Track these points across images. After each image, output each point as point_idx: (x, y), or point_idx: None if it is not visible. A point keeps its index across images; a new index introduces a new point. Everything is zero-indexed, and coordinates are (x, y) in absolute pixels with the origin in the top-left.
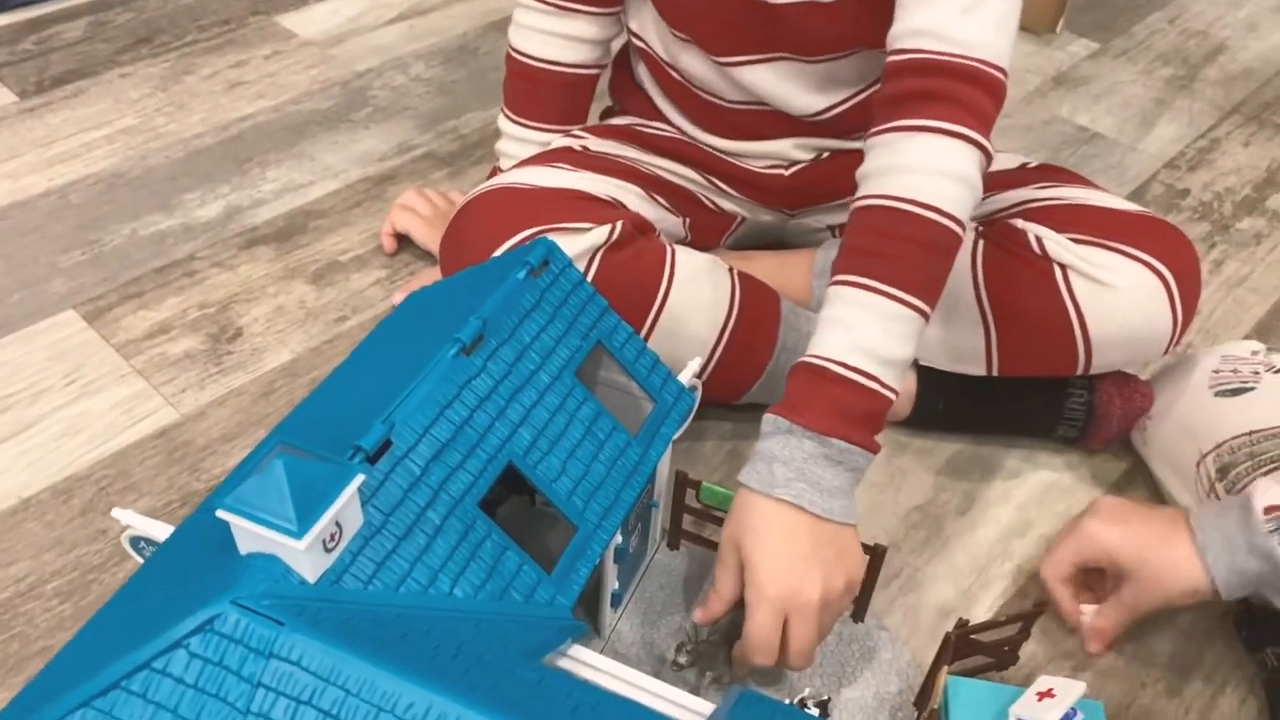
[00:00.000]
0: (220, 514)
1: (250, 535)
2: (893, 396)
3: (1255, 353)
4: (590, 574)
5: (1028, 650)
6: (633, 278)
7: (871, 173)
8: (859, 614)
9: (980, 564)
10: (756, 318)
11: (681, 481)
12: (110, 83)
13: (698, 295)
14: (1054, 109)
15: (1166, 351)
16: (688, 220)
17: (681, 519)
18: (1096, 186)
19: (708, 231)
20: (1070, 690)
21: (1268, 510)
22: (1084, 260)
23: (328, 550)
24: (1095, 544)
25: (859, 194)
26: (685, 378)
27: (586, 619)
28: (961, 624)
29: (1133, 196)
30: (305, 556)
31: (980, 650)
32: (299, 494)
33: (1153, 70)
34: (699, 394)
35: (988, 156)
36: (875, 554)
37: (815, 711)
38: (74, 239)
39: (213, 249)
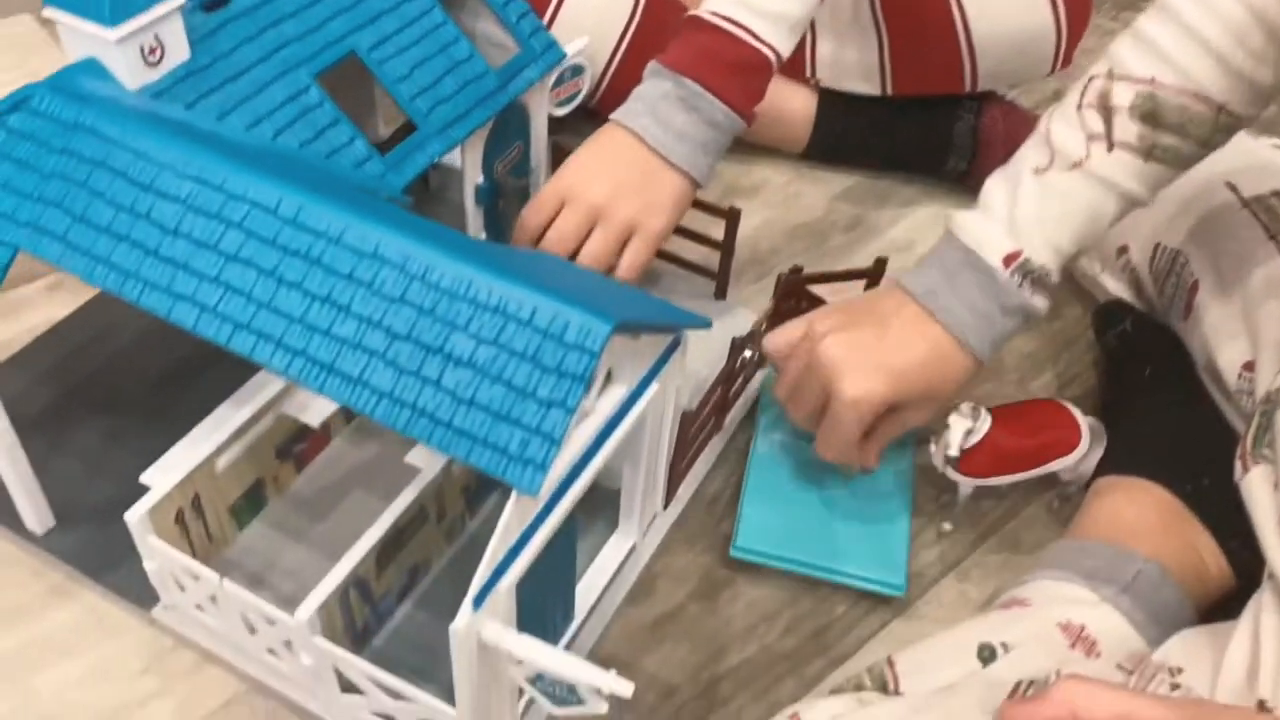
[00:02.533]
0: (45, 12)
1: (72, 34)
2: (765, 51)
3: None
4: (425, 166)
5: None
6: None
7: None
8: (721, 291)
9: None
10: (658, 28)
11: (557, 152)
12: None
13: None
14: None
15: (1054, 68)
16: None
17: None
18: None
19: None
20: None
21: (1006, 263)
22: None
23: (148, 64)
24: (870, 406)
25: None
26: (569, 50)
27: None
28: (796, 269)
29: None
30: (121, 55)
31: (813, 303)
32: None
33: None
34: (586, 75)
35: None
36: (730, 216)
37: None
38: None
39: None
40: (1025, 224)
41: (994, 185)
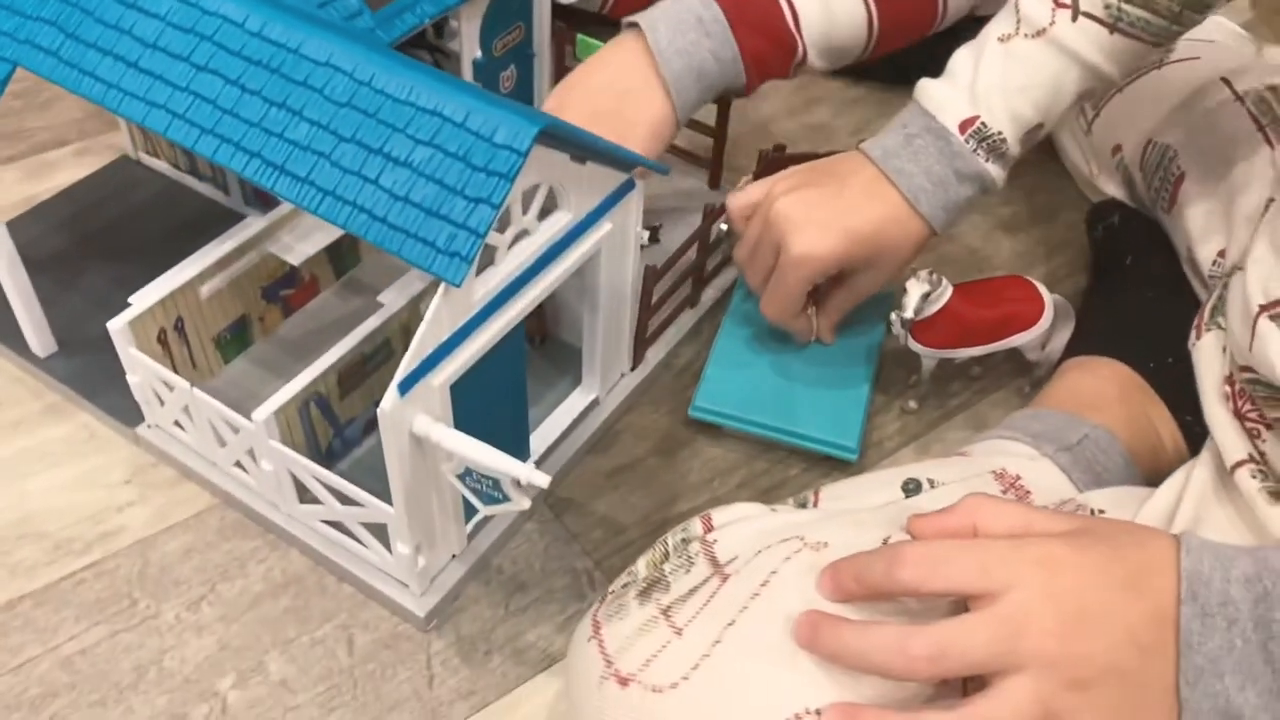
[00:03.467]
0: None
1: None
2: (799, 45)
3: None
4: (419, 24)
5: None
6: None
7: None
8: (714, 180)
9: None
10: None
11: (559, 37)
12: None
13: None
14: None
15: None
16: None
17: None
18: None
19: None
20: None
21: (962, 128)
22: None
23: None
24: (817, 263)
25: None
26: None
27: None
28: (779, 146)
29: None
30: None
31: None
32: None
33: None
34: None
35: None
36: (721, 103)
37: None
38: None
39: None
40: (985, 90)
41: (961, 53)
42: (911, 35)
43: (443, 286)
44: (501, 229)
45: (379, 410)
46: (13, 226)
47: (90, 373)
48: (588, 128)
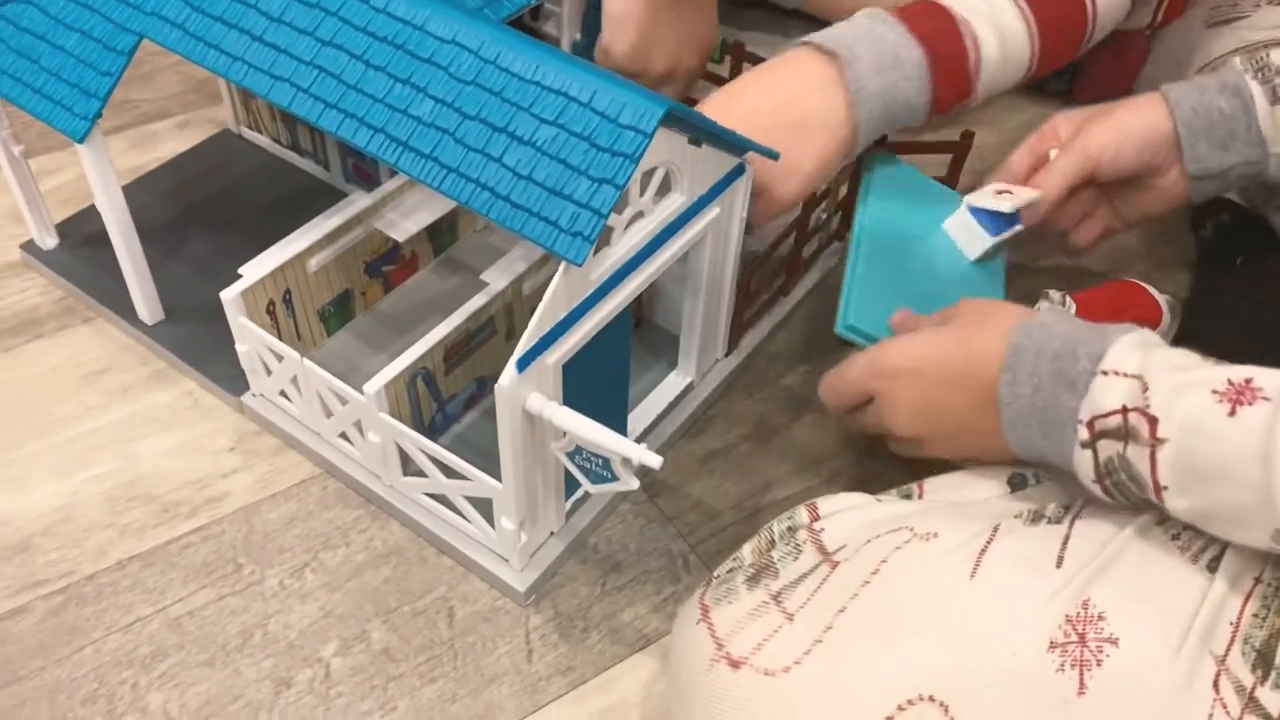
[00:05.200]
0: None
1: None
2: (974, 84)
3: None
4: (523, 7)
5: None
6: None
7: None
8: None
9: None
10: None
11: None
12: None
13: None
14: None
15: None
16: None
17: None
18: None
19: None
20: (1025, 194)
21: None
22: None
23: None
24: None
25: None
26: None
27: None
28: (882, 140)
29: None
30: None
31: None
32: None
33: None
34: None
35: None
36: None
37: None
38: None
39: None
40: None
41: None
42: (1057, 65)
43: (563, 265)
44: (619, 210)
45: (497, 386)
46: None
47: (196, 341)
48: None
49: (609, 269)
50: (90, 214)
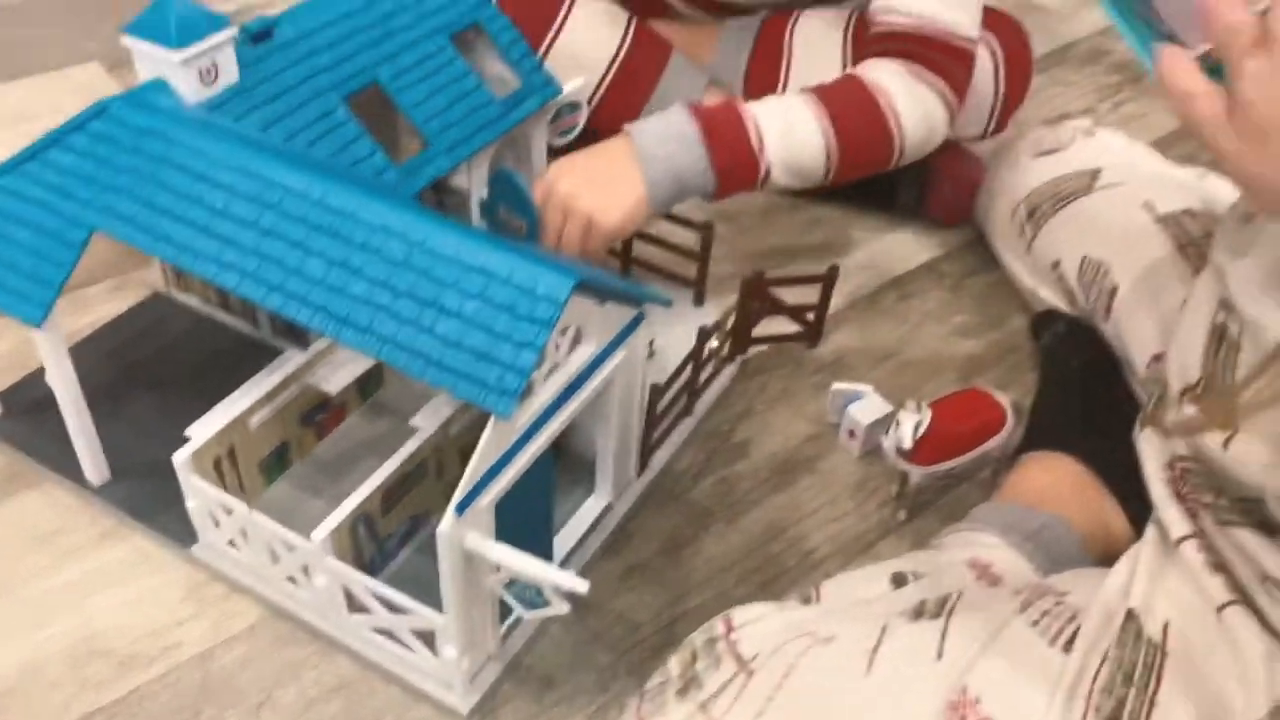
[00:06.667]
0: (124, 39)
1: (145, 58)
2: (762, 171)
3: (1077, 126)
4: (434, 178)
5: (839, 341)
6: (527, 18)
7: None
8: (699, 298)
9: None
10: (642, 64)
11: None
12: None
13: (589, 34)
14: None
15: (988, 129)
16: None
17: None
18: None
19: (641, 10)
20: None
21: None
22: None
23: (204, 83)
24: None
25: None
26: (567, 89)
27: None
28: (758, 273)
29: (1056, 53)
30: (183, 74)
31: (779, 308)
32: (180, 24)
33: None
34: (584, 110)
35: (951, 112)
36: (705, 230)
37: None
38: (107, 17)
39: None
40: None
41: None
42: (870, 169)
43: (492, 419)
44: (538, 365)
45: (438, 531)
46: None
47: (142, 498)
48: (577, 192)
49: (531, 416)
50: (28, 382)
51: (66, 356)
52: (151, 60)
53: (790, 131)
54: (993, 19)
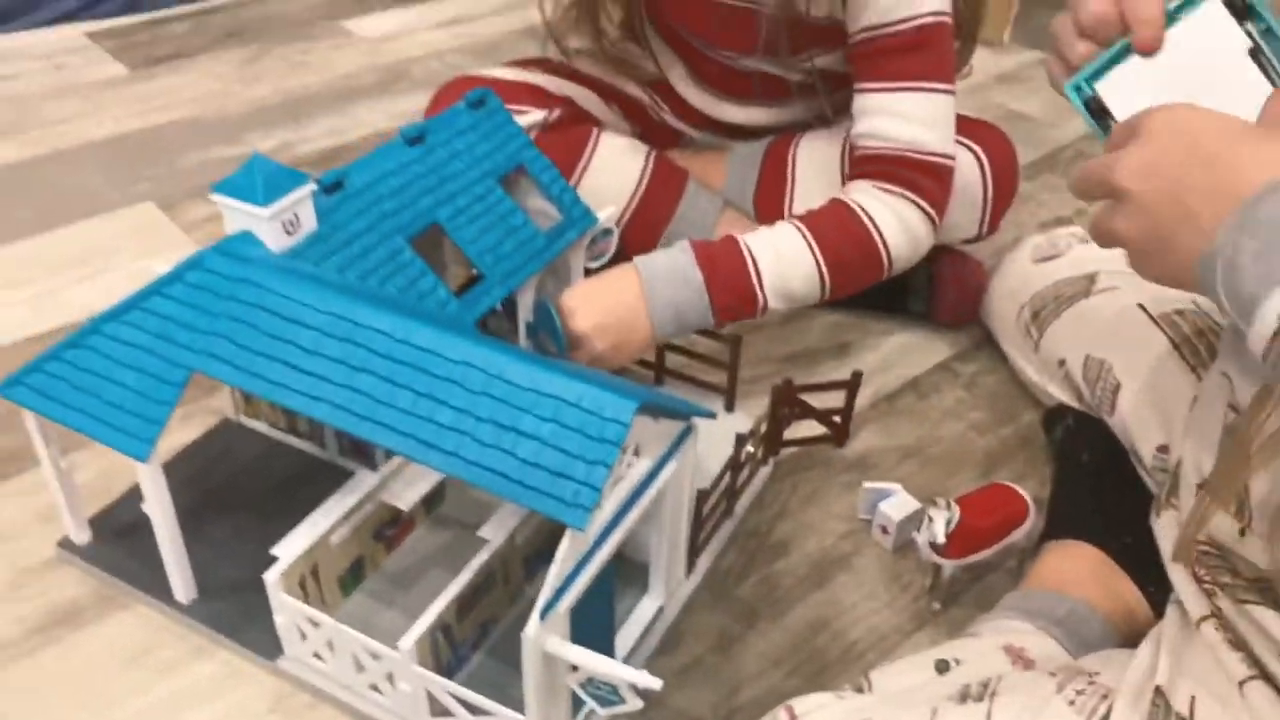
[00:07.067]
0: (212, 196)
1: (233, 213)
2: (760, 301)
3: (1072, 233)
4: (491, 306)
5: (865, 441)
6: (560, 154)
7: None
8: (729, 404)
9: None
10: (662, 190)
11: None
12: (202, 62)
13: (614, 167)
14: (991, 97)
15: (982, 230)
16: (639, 130)
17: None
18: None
19: (653, 138)
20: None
21: None
22: None
23: (288, 233)
24: None
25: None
26: (600, 217)
27: None
28: (787, 381)
29: (1045, 159)
30: (268, 227)
31: (807, 413)
32: (267, 183)
33: None
34: (615, 235)
35: (934, 225)
36: (733, 343)
37: None
38: (157, 159)
39: None
40: None
41: None
42: (862, 285)
43: (569, 531)
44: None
45: (523, 636)
46: (138, 491)
47: (229, 615)
48: (597, 333)
49: (600, 526)
50: (116, 509)
51: (165, 486)
52: (239, 215)
53: (783, 263)
54: (975, 127)
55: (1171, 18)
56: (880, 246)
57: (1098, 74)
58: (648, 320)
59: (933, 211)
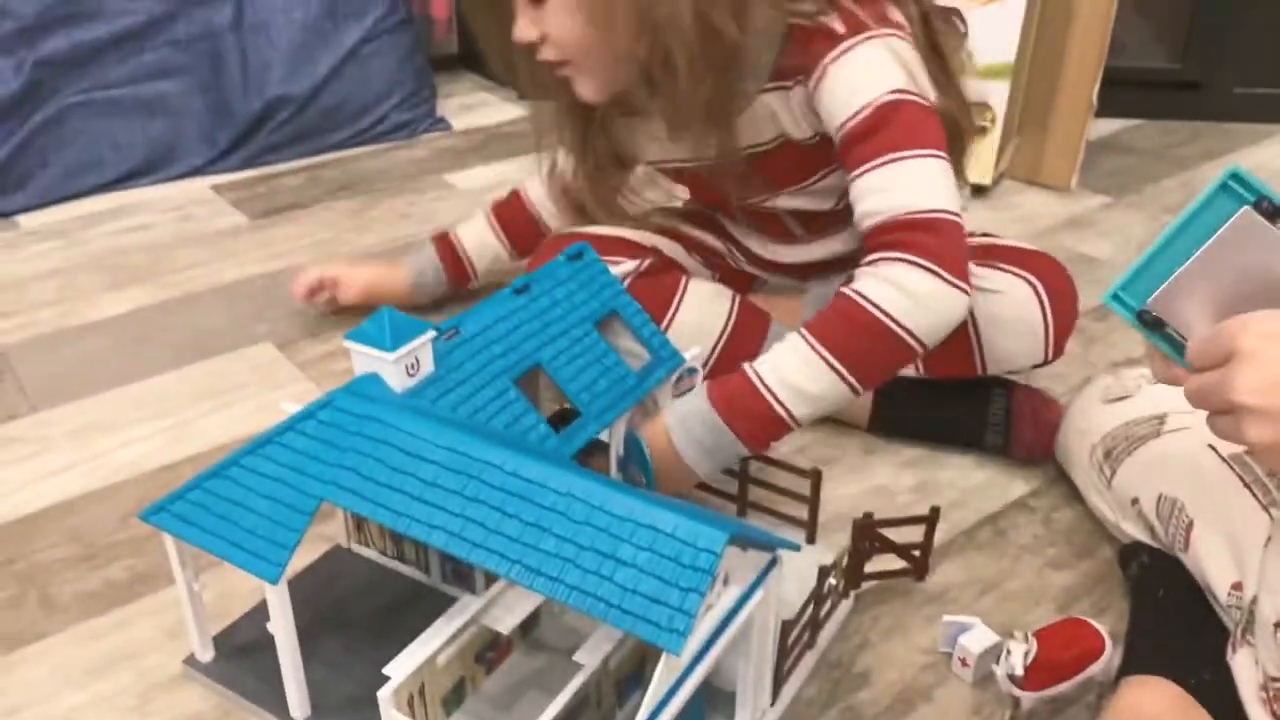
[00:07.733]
0: (345, 343)
1: (362, 357)
2: (784, 415)
3: (1142, 374)
4: (587, 441)
5: (944, 575)
6: (651, 300)
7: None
8: (810, 537)
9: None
10: (747, 332)
11: None
12: (315, 213)
13: (701, 310)
14: (1060, 240)
15: (1048, 355)
16: (717, 275)
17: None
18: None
19: (734, 283)
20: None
21: None
22: (977, 276)
23: (410, 375)
24: None
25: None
26: (687, 356)
27: None
28: (868, 515)
29: None
30: (394, 369)
31: (888, 547)
32: (394, 331)
33: (1157, 216)
34: (700, 374)
35: (940, 276)
36: (815, 476)
37: None
38: (274, 302)
39: None
40: None
41: None
42: (891, 364)
43: (665, 655)
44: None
45: None
46: (258, 611)
47: None
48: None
49: (694, 651)
50: (235, 629)
51: (289, 607)
52: (367, 359)
53: (786, 370)
54: (1027, 256)
55: (1197, 220)
56: (883, 320)
57: (1133, 282)
58: (686, 467)
59: (932, 263)
